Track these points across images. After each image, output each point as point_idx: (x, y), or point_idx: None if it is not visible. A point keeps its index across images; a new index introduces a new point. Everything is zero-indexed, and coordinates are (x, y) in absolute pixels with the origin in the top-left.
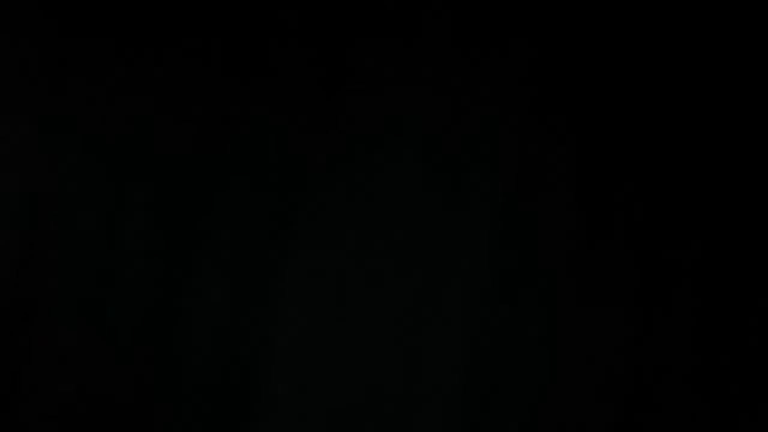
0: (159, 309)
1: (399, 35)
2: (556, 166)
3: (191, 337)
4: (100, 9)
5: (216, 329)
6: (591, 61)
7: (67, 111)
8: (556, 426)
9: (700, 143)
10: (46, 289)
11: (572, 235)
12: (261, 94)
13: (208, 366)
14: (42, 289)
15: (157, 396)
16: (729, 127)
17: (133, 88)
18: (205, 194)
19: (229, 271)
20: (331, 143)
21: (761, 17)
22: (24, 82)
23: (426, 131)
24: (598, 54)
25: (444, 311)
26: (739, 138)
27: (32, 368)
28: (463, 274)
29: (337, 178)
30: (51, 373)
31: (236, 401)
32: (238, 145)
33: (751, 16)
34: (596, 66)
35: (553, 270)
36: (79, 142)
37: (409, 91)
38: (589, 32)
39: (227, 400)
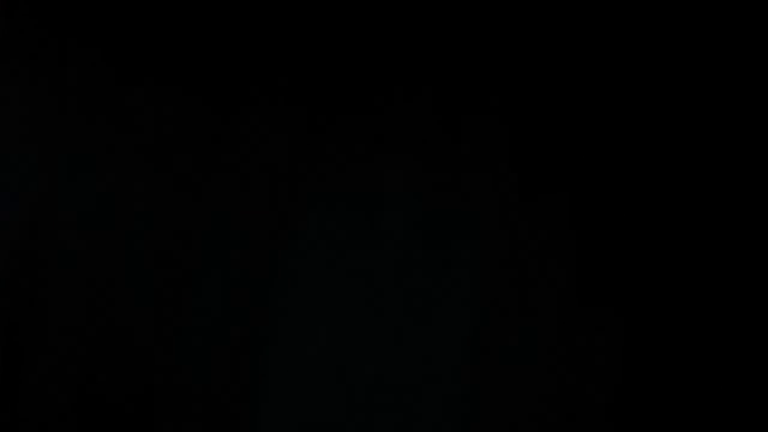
0: (160, 312)
1: (380, 109)
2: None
3: (193, 336)
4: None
5: (216, 331)
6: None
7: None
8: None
9: (695, 211)
10: (47, 288)
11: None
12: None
13: (209, 366)
14: (43, 288)
15: (157, 396)
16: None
17: (131, 117)
18: (204, 198)
19: (230, 280)
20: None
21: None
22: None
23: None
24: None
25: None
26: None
27: (32, 367)
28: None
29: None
30: (51, 372)
31: (236, 400)
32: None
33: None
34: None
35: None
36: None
37: (393, 159)
38: (568, 99)
39: (228, 400)
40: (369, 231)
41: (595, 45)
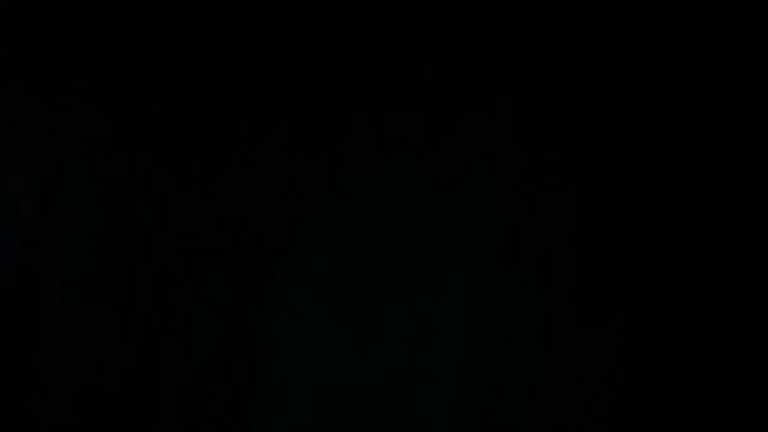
0: (159, 310)
1: (395, 57)
2: (557, 176)
3: (192, 337)
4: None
5: (217, 331)
6: (589, 71)
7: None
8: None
9: (701, 146)
10: (48, 286)
11: (573, 242)
12: (258, 115)
13: (210, 366)
14: (43, 286)
15: (157, 395)
16: (730, 130)
17: (133, 108)
18: (204, 199)
19: (229, 273)
20: (331, 159)
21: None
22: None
23: (426, 146)
24: (596, 63)
25: (445, 315)
26: (743, 140)
27: (34, 366)
28: (464, 278)
29: (336, 192)
30: (53, 371)
31: (237, 401)
32: (236, 156)
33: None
34: (595, 74)
35: (553, 275)
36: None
37: (408, 108)
38: (587, 42)
39: (227, 400)
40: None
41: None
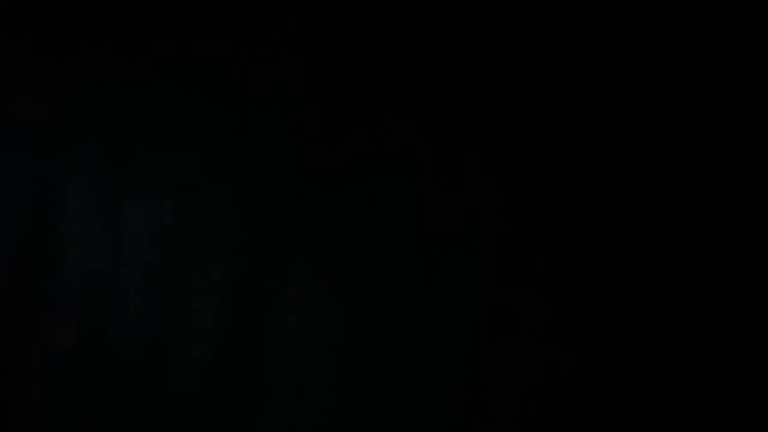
0: (157, 319)
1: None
2: (546, 224)
3: (190, 347)
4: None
5: (215, 339)
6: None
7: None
8: None
9: (702, 204)
10: (46, 295)
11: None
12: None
13: (207, 373)
14: (41, 295)
15: (155, 403)
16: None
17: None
18: (204, 204)
19: (227, 282)
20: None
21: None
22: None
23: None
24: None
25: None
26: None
27: (31, 377)
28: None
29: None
30: (50, 381)
31: (235, 406)
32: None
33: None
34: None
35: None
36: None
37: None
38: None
39: (226, 406)
40: (365, 237)
41: (600, 45)
